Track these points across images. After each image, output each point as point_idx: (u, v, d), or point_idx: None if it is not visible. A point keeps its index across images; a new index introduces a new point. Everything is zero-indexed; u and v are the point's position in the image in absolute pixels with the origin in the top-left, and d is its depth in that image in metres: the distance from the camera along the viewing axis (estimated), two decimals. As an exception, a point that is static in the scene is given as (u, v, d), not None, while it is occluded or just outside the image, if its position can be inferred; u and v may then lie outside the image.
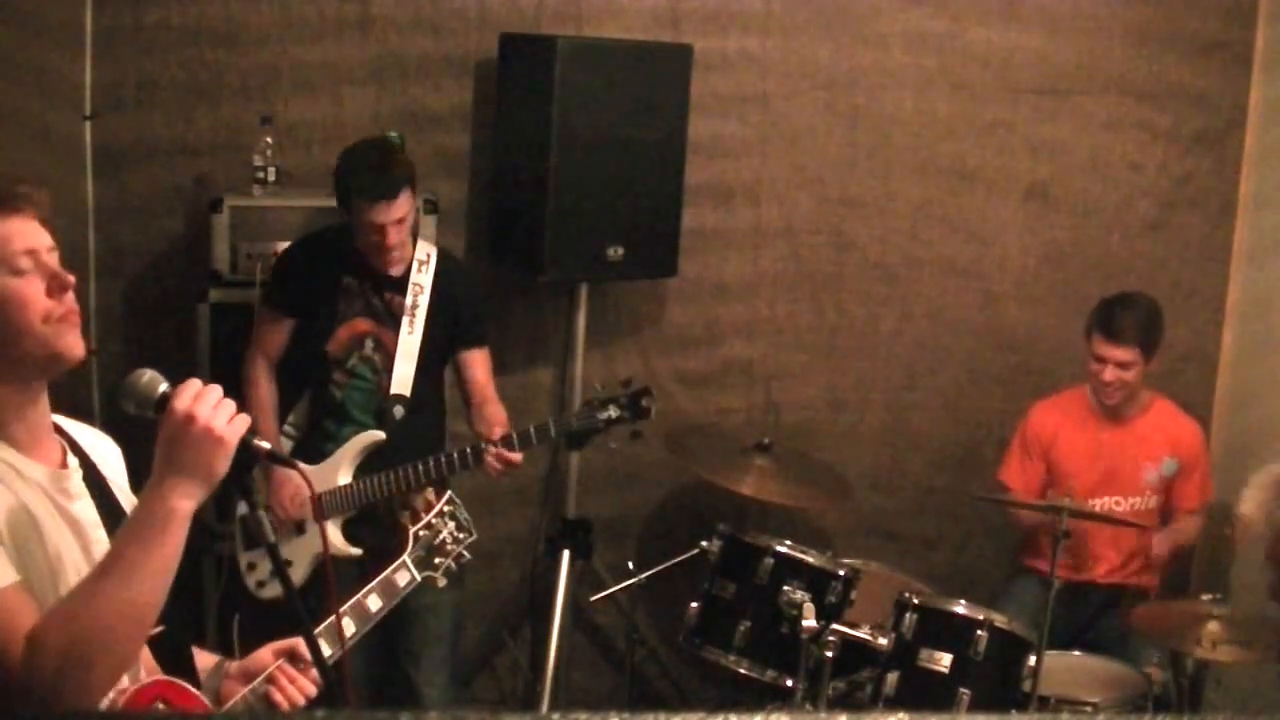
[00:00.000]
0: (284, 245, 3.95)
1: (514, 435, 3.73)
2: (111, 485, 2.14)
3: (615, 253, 4.19)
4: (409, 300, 3.82)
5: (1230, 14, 4.72)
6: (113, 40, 4.14)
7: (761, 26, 4.54)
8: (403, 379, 3.82)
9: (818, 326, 4.78)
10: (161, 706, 2.04)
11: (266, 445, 1.97)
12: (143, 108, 4.19)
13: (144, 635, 1.93)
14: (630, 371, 4.58)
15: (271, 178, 4.07)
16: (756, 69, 4.57)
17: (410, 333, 3.81)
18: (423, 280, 3.84)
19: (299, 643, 2.22)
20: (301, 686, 2.24)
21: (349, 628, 2.35)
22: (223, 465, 1.90)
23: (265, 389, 3.85)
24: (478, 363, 3.96)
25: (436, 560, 2.59)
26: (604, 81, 4.09)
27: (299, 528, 3.80)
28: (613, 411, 3.78)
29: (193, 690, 2.13)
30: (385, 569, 2.55)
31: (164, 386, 1.95)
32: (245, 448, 1.93)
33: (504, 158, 4.31)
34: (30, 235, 1.97)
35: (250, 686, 2.22)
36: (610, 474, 4.68)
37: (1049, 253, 4.83)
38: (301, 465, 2.14)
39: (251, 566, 3.83)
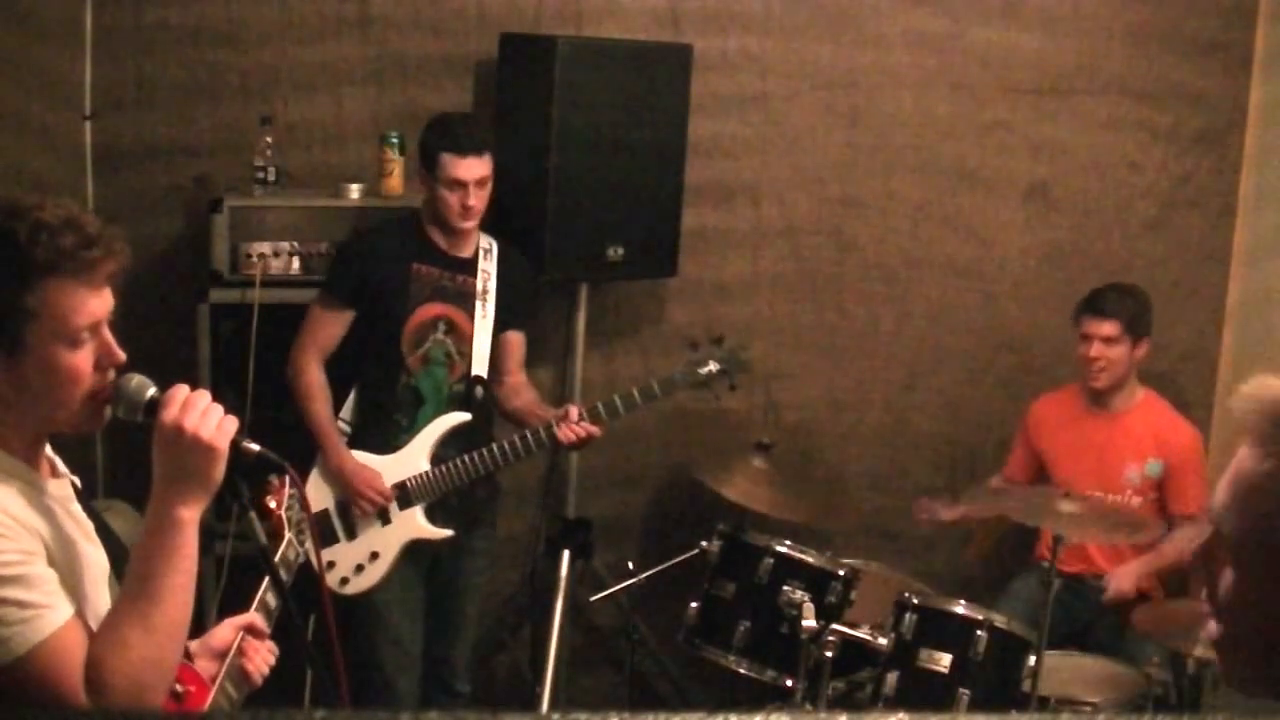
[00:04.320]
0: (273, 245, 3.98)
1: (617, 400, 3.89)
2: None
3: (615, 253, 4.20)
4: (479, 285, 3.91)
5: (1230, 14, 4.72)
6: (113, 40, 4.14)
7: (761, 26, 4.54)
8: (481, 361, 3.93)
9: (818, 326, 4.78)
10: (179, 688, 2.09)
11: (256, 447, 2.00)
12: (143, 108, 4.19)
13: (184, 643, 1.98)
14: (630, 372, 4.60)
15: (271, 178, 4.06)
16: (756, 69, 4.57)
17: (484, 316, 3.92)
18: (490, 267, 3.94)
19: (255, 617, 2.35)
20: (265, 656, 2.34)
21: (271, 602, 2.43)
22: (218, 471, 1.92)
23: (318, 377, 3.87)
24: (518, 343, 4.08)
25: (299, 536, 2.68)
26: (604, 81, 4.09)
27: (383, 518, 3.87)
28: (713, 366, 4.00)
29: (192, 667, 2.20)
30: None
31: (152, 391, 1.96)
32: (234, 449, 1.95)
33: (504, 158, 4.30)
34: (98, 306, 1.92)
35: (227, 661, 2.28)
36: (610, 474, 4.68)
37: (1049, 253, 4.83)
38: (293, 471, 2.14)
39: (330, 565, 3.85)
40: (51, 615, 1.84)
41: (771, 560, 3.82)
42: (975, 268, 4.81)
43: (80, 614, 1.90)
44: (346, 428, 3.95)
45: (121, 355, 1.96)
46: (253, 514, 2.05)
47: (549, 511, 4.61)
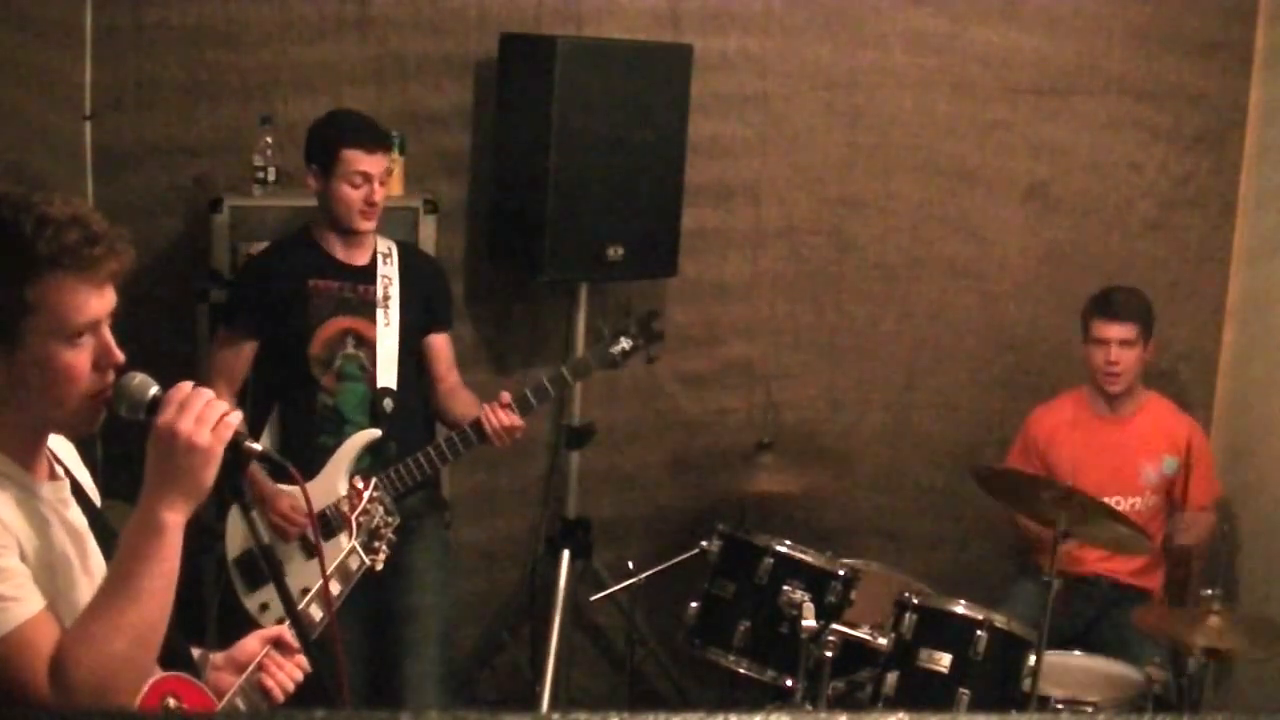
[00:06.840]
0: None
1: (528, 393, 3.69)
2: (82, 485, 2.15)
3: (615, 253, 4.19)
4: (380, 292, 3.77)
5: (1230, 14, 4.72)
6: (113, 40, 4.14)
7: (761, 26, 4.54)
8: (387, 372, 3.75)
9: (818, 326, 4.78)
10: (172, 702, 2.07)
11: (258, 447, 1.98)
12: (143, 108, 4.19)
13: (158, 647, 1.95)
14: (631, 371, 4.59)
15: (271, 178, 4.07)
16: (756, 69, 4.57)
17: (387, 324, 3.77)
18: (390, 272, 3.80)
19: (284, 630, 2.27)
20: (290, 672, 2.27)
21: (316, 614, 2.37)
22: (208, 476, 1.90)
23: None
24: (444, 346, 3.94)
25: (375, 543, 2.64)
26: (604, 81, 4.09)
27: (308, 551, 3.59)
28: (625, 343, 3.78)
29: (197, 683, 2.16)
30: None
31: (154, 390, 1.95)
32: (236, 448, 1.93)
33: (504, 158, 4.31)
34: (99, 305, 1.91)
35: (244, 675, 2.24)
36: (610, 474, 4.68)
37: (1049, 253, 4.83)
38: (295, 471, 2.11)
39: (264, 608, 3.60)
40: (18, 608, 1.84)
41: (771, 560, 3.82)
42: (975, 268, 4.81)
43: (53, 609, 1.89)
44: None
45: (120, 356, 1.95)
46: (254, 514, 2.05)
47: (549, 511, 4.61)
